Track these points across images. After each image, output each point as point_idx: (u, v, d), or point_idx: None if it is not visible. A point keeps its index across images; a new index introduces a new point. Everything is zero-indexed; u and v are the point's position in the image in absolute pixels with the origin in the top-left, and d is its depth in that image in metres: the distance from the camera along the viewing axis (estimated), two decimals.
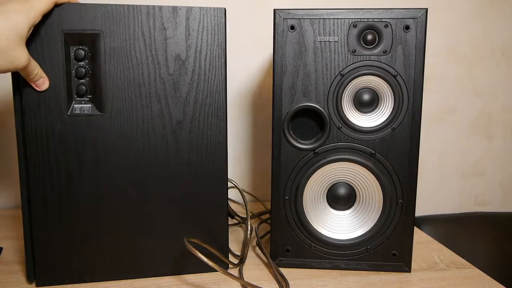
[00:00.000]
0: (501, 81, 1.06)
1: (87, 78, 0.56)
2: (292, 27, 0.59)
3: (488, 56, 1.04)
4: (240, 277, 0.62)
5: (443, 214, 1.06)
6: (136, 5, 0.55)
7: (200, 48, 0.57)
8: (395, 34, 0.59)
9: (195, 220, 0.61)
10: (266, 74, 0.98)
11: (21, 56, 0.48)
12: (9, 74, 0.59)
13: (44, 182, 0.56)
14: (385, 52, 0.59)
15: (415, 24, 0.58)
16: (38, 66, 0.53)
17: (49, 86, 0.54)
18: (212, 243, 0.62)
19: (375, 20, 0.59)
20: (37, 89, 0.54)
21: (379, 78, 0.60)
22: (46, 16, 0.52)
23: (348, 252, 0.64)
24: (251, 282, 0.59)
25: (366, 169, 0.62)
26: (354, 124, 0.61)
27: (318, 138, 0.62)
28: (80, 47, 0.55)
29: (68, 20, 0.54)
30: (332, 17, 0.59)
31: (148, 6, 0.55)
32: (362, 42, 0.59)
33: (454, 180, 1.09)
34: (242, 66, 0.97)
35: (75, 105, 0.56)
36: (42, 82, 0.54)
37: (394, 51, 0.59)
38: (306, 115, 0.62)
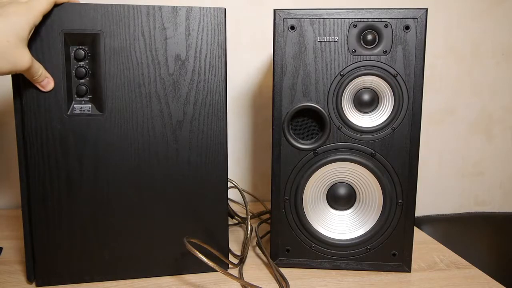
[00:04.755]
0: (501, 81, 1.06)
1: (87, 78, 0.56)
2: (292, 27, 0.59)
3: (488, 56, 1.04)
4: (240, 277, 0.62)
5: (443, 214, 1.06)
6: (136, 5, 0.55)
7: (200, 48, 0.57)
8: (395, 34, 0.59)
9: (195, 220, 0.61)
10: (266, 74, 0.98)
11: (23, 57, 0.48)
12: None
13: (44, 182, 0.56)
14: (385, 52, 0.59)
15: (415, 24, 0.58)
16: (42, 67, 0.52)
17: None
18: (212, 243, 0.62)
19: (375, 20, 0.59)
20: (43, 89, 0.54)
21: (379, 78, 0.60)
22: (46, 16, 0.52)
23: (348, 252, 0.64)
24: (251, 282, 0.59)
25: (366, 169, 0.62)
26: (354, 124, 0.61)
27: (318, 138, 0.62)
28: (80, 47, 0.55)
29: (68, 20, 0.54)
30: (332, 17, 0.59)
31: (148, 6, 0.55)
32: (362, 42, 0.59)
33: (454, 180, 1.09)
34: (242, 66, 0.97)
35: (75, 105, 0.56)
36: (47, 83, 0.54)
37: (394, 51, 0.59)
38: (306, 115, 0.62)
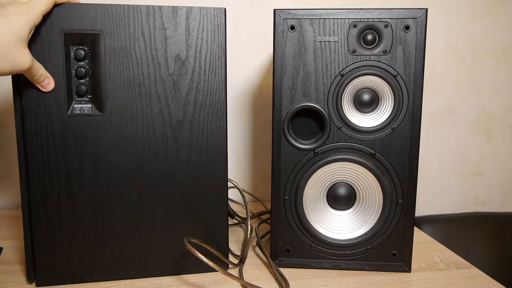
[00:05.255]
0: (501, 81, 1.06)
1: (87, 78, 0.56)
2: (292, 27, 0.59)
3: (488, 56, 1.04)
4: (240, 277, 0.62)
5: (443, 214, 1.06)
6: (136, 5, 0.55)
7: (200, 48, 0.57)
8: (395, 34, 0.59)
9: (195, 220, 0.61)
10: (266, 74, 0.98)
11: (23, 58, 0.48)
12: None
13: (44, 182, 0.56)
14: (385, 52, 0.59)
15: (415, 24, 0.58)
16: (42, 67, 0.52)
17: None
18: (212, 243, 0.62)
19: (375, 20, 0.59)
20: (43, 90, 0.54)
21: (379, 78, 0.60)
22: (46, 16, 0.52)
23: (348, 252, 0.64)
24: (251, 282, 0.59)
25: (366, 169, 0.62)
26: (354, 124, 0.61)
27: (318, 138, 0.62)
28: (80, 47, 0.55)
29: (68, 20, 0.54)
30: (332, 17, 0.59)
31: (148, 6, 0.55)
32: (362, 42, 0.59)
33: (454, 180, 1.09)
34: (242, 66, 0.97)
35: (75, 105, 0.56)
36: (48, 83, 0.54)
37: (394, 51, 0.59)
38: (306, 115, 0.62)
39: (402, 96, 0.60)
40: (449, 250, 0.73)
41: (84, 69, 0.56)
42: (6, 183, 0.95)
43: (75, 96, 0.56)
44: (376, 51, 0.59)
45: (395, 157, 0.61)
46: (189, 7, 0.56)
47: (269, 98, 0.99)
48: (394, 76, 0.59)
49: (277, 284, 0.60)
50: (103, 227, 0.59)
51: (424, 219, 1.02)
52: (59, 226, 0.58)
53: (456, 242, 0.96)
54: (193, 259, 0.54)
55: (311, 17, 0.59)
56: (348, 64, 0.59)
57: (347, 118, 0.61)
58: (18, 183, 0.94)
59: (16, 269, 0.63)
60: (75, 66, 0.55)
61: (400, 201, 0.63)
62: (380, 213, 0.63)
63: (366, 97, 0.61)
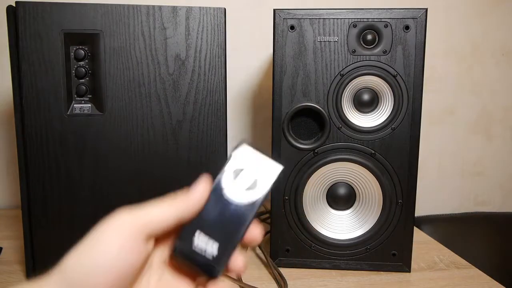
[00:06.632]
0: (501, 81, 1.05)
1: (87, 78, 0.56)
2: (292, 27, 0.59)
3: (488, 56, 1.04)
4: (238, 278, 0.62)
5: (443, 214, 1.05)
6: (136, 5, 0.55)
7: (200, 48, 0.57)
8: (395, 34, 0.59)
9: None
10: (266, 74, 0.98)
11: None
12: (9, 73, 0.59)
13: (44, 182, 0.56)
14: (385, 52, 0.59)
15: (415, 24, 0.58)
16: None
17: (49, 86, 0.54)
18: None
19: (375, 20, 0.59)
20: None
21: (379, 78, 0.60)
22: (46, 16, 0.52)
23: (348, 252, 0.64)
24: (248, 283, 0.58)
25: (366, 169, 0.62)
26: (354, 124, 0.61)
27: (318, 138, 0.62)
28: (80, 47, 0.55)
29: (68, 20, 0.54)
30: (332, 17, 0.59)
31: (148, 6, 0.55)
32: (362, 42, 0.59)
33: (454, 180, 1.09)
34: (242, 66, 0.97)
35: (75, 105, 0.56)
36: None
37: (394, 51, 0.59)
38: (306, 115, 0.62)
39: (402, 96, 0.60)
40: (449, 250, 0.73)
41: (84, 69, 0.56)
42: (6, 183, 0.95)
43: (75, 96, 0.56)
44: (376, 51, 0.59)
45: (395, 157, 0.61)
46: (189, 7, 0.56)
47: (269, 98, 0.99)
48: (394, 76, 0.59)
49: (276, 284, 0.60)
50: None
51: (424, 219, 1.02)
52: (59, 226, 0.58)
53: (456, 242, 0.96)
54: None
55: (311, 17, 0.59)
56: (348, 64, 0.59)
57: (347, 118, 0.61)
58: (18, 183, 0.94)
59: (16, 269, 0.63)
60: (75, 66, 0.55)
61: (400, 201, 0.62)
62: (380, 213, 0.63)
63: (366, 97, 0.61)
